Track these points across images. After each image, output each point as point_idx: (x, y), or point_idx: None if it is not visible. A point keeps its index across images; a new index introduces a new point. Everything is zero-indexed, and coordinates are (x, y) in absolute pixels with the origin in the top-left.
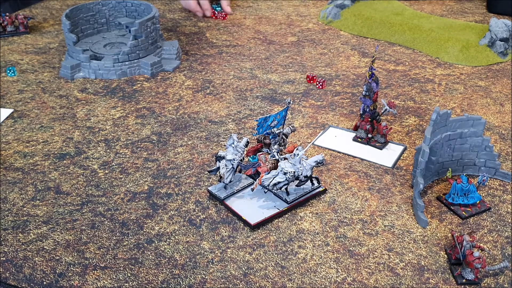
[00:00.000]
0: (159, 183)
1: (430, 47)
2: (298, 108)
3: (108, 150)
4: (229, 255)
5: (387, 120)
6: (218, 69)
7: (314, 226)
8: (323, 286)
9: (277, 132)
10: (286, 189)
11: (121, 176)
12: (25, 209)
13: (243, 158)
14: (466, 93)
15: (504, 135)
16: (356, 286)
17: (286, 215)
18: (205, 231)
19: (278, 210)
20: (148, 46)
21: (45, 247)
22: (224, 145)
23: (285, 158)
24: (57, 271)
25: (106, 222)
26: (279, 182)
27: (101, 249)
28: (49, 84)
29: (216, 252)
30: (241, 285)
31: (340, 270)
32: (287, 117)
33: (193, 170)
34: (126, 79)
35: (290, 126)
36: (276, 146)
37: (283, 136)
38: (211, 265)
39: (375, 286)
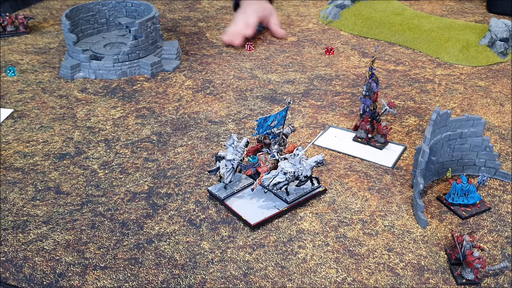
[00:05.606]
0: (159, 183)
1: (430, 47)
2: (298, 108)
3: (108, 150)
4: (229, 255)
5: (387, 120)
6: (218, 69)
7: (314, 226)
8: (323, 286)
9: (277, 132)
10: (286, 189)
11: (121, 176)
12: (25, 209)
13: (243, 158)
14: (466, 93)
15: (504, 135)
16: (356, 286)
17: (286, 215)
18: (205, 231)
19: (278, 210)
20: (148, 46)
21: (45, 247)
22: (224, 145)
23: (285, 158)
24: (57, 271)
25: (106, 222)
26: (279, 182)
27: (101, 249)
28: (49, 84)
29: (216, 252)
30: (241, 285)
31: (340, 270)
32: (287, 117)
33: (193, 170)
34: (126, 79)
35: (290, 126)
36: (276, 146)
37: (283, 136)
38: (211, 265)
39: (375, 286)
